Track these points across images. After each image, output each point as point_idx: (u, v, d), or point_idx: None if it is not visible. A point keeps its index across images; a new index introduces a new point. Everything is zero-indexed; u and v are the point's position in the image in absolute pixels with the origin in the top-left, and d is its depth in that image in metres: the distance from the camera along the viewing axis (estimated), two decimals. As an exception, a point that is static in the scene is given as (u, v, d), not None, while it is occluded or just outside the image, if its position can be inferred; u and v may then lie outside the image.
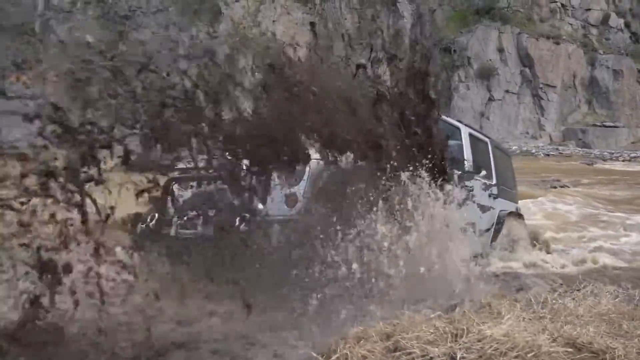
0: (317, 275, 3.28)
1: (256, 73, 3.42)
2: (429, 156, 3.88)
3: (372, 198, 3.54)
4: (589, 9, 41.10)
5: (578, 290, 3.79)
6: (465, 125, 5.81)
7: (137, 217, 3.64)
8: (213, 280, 3.42)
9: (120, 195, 2.75)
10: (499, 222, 6.09)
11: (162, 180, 3.44)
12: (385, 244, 3.45)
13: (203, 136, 3.15)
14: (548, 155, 32.39)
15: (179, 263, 3.61)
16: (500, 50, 37.41)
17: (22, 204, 2.52)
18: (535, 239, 6.98)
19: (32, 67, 2.86)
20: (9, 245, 2.53)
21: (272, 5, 34.54)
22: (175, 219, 3.89)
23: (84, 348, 2.60)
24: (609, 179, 19.33)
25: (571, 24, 40.52)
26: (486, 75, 36.55)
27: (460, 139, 5.38)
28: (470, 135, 5.76)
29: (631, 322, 2.96)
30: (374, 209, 3.51)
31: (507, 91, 37.03)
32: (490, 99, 36.71)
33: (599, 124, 37.34)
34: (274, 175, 3.58)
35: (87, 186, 2.70)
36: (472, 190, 5.13)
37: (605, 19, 41.09)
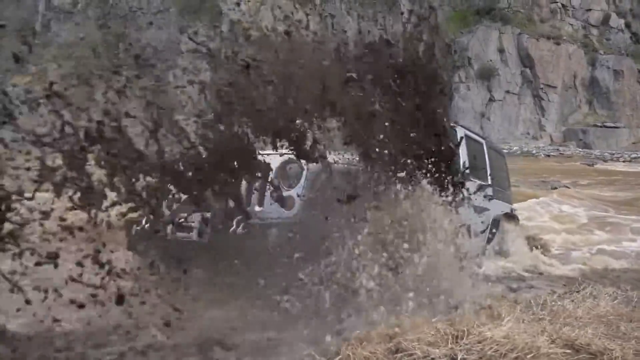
0: (317, 276, 3.29)
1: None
2: (433, 159, 3.82)
3: (371, 201, 3.55)
4: (590, 10, 41.11)
5: (577, 292, 3.84)
6: (461, 126, 5.80)
7: None
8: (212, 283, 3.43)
9: None
10: (494, 224, 6.11)
11: None
12: (386, 245, 3.46)
13: None
14: (549, 155, 32.35)
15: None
16: (501, 50, 37.44)
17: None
18: (534, 240, 7.01)
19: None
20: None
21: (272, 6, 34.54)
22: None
23: None
24: (609, 179, 19.31)
25: (572, 25, 40.53)
26: (487, 75, 36.58)
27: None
28: (466, 136, 5.75)
29: (629, 324, 3.00)
30: (373, 211, 3.52)
31: (507, 92, 37.05)
32: (491, 100, 36.74)
33: (599, 124, 37.34)
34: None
35: None
36: (469, 192, 5.14)
37: (605, 20, 41.10)
